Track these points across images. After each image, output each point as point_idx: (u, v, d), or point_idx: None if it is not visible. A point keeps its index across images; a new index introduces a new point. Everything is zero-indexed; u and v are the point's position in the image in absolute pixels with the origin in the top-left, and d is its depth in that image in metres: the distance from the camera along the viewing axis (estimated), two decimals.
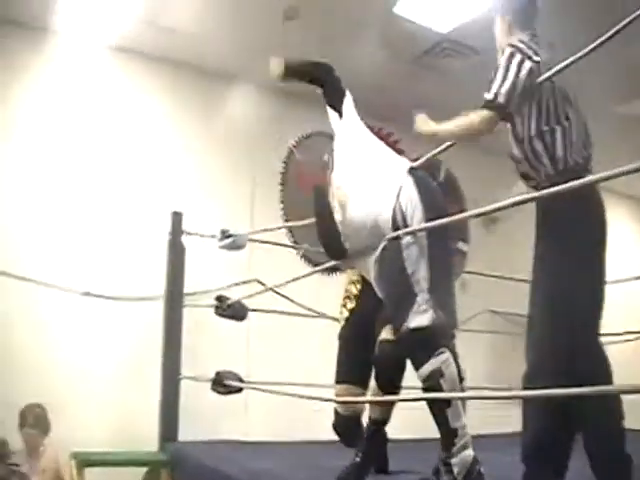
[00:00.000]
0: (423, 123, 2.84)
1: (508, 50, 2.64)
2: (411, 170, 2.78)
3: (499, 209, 2.26)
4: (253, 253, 5.31)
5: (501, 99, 2.56)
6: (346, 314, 3.50)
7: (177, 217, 5.09)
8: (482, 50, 5.56)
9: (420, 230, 2.56)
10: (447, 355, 2.51)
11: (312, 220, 5.12)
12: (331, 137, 6.20)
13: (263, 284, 5.10)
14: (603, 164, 2.10)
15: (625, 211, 9.35)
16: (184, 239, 5.06)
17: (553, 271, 2.54)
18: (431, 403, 2.49)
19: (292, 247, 5.88)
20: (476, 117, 2.60)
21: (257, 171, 5.91)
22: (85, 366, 4.90)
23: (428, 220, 2.57)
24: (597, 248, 2.56)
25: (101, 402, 4.84)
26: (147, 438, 4.61)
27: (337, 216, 2.88)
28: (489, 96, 2.58)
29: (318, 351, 5.57)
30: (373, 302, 2.98)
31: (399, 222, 2.60)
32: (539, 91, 2.59)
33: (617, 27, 2.21)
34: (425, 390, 2.49)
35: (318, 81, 3.23)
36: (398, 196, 2.64)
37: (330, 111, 3.18)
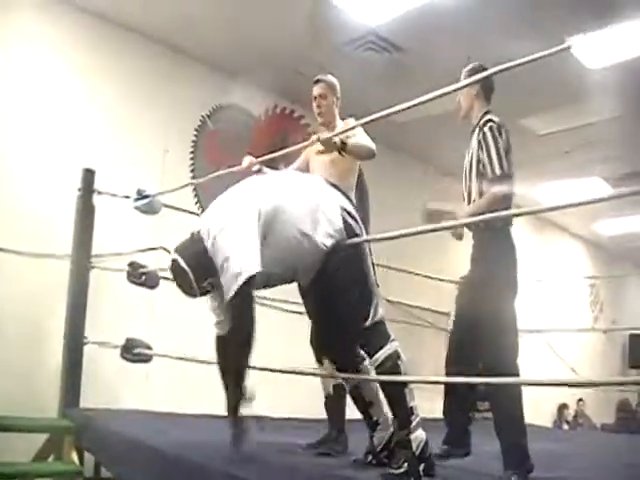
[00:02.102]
0: None
1: (491, 126, 3.17)
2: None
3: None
4: (161, 221, 5.16)
5: (507, 170, 3.09)
6: None
7: (89, 174, 4.83)
8: (405, 48, 5.74)
9: (389, 239, 2.78)
10: (397, 342, 2.78)
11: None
12: (244, 112, 6.26)
13: (169, 252, 4.99)
14: None
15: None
16: (95, 198, 4.83)
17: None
18: (390, 383, 2.69)
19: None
20: (498, 192, 3.07)
21: (169, 138, 5.76)
22: None
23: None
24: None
25: None
26: (45, 403, 4.41)
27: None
28: (499, 171, 3.08)
29: None
30: None
31: (354, 228, 2.78)
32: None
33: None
34: (383, 372, 2.70)
35: None
36: (342, 207, 2.79)
37: None
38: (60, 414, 4.36)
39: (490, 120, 3.21)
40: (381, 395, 2.85)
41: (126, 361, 4.40)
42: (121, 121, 5.54)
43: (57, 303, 4.64)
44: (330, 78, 3.82)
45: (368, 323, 2.70)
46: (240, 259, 2.52)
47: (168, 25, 5.62)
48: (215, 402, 5.00)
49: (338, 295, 2.77)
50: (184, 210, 5.18)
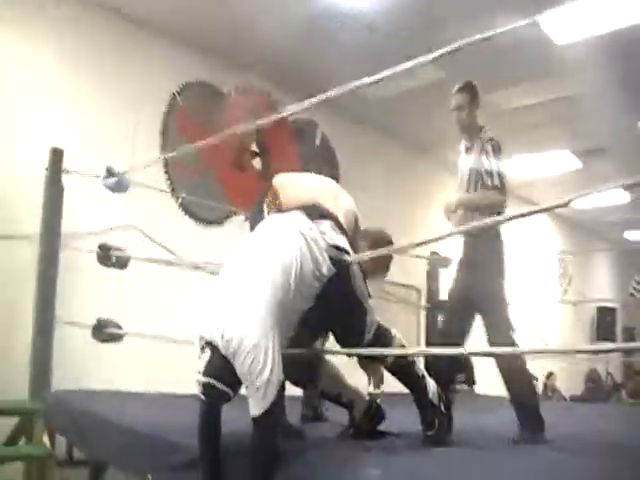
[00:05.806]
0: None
1: (493, 145, 3.55)
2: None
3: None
4: (131, 199, 5.10)
5: (500, 184, 3.55)
6: None
7: (57, 154, 4.75)
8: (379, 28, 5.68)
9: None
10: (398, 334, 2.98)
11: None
12: (214, 89, 6.20)
13: (140, 230, 4.96)
14: None
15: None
16: (63, 178, 4.76)
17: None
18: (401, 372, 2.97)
19: (170, 193, 5.79)
20: (496, 197, 3.55)
21: (139, 115, 5.67)
22: None
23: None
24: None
25: None
26: (15, 385, 4.34)
27: None
28: (497, 183, 3.54)
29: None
30: None
31: (343, 259, 2.66)
32: None
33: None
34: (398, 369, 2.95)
35: None
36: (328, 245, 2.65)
37: None
38: (31, 396, 4.32)
39: (491, 139, 3.58)
40: (345, 379, 3.02)
41: (97, 341, 4.39)
42: (90, 99, 5.44)
43: (27, 284, 4.57)
44: None
45: (366, 337, 2.74)
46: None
47: (138, 1, 5.52)
48: (185, 381, 5.07)
49: (333, 323, 2.78)
50: (153, 187, 5.16)
